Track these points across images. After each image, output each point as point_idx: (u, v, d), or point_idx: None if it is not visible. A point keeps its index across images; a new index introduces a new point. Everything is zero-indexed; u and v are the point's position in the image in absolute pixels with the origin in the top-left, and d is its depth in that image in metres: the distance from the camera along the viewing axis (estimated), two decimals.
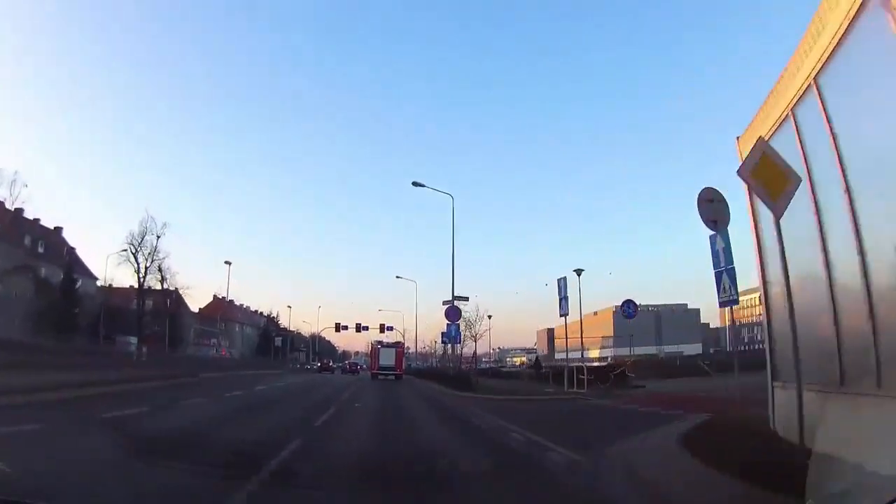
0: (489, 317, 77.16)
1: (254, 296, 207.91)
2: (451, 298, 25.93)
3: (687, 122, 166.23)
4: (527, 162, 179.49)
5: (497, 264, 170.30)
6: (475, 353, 38.02)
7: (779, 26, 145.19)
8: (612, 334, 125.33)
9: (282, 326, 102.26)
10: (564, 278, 21.26)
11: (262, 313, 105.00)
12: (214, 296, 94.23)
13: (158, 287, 59.37)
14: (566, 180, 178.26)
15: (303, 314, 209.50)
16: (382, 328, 68.97)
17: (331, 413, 12.42)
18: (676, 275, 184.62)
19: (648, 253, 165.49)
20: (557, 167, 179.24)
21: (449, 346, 38.04)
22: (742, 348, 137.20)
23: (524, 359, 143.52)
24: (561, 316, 21.17)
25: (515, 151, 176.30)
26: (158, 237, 55.75)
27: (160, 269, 58.36)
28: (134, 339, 64.33)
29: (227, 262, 56.86)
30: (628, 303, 23.33)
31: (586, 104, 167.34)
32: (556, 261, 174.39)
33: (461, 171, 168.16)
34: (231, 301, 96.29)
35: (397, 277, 58.98)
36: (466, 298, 27.57)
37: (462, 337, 31.95)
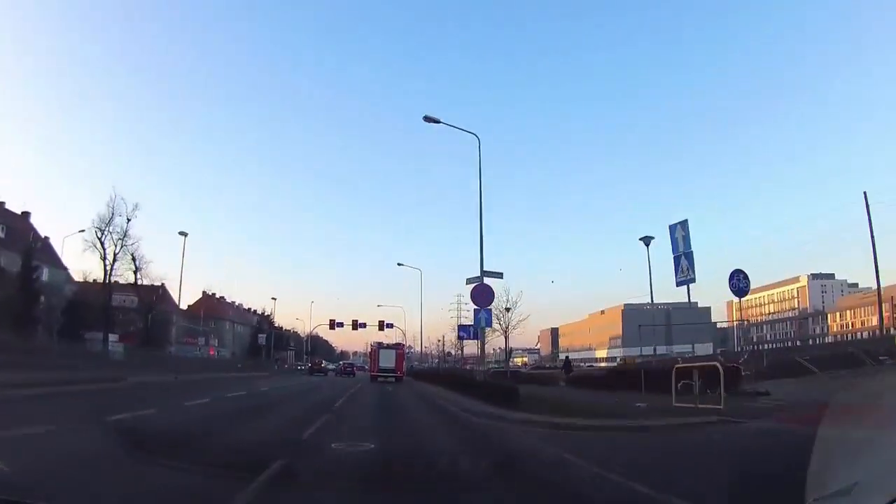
0: (507, 309, 70.06)
1: (250, 294, 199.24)
2: (478, 275, 17.80)
3: (692, 120, 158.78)
4: (526, 160, 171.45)
5: (495, 263, 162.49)
6: (508, 350, 30.66)
7: (778, 26, 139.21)
8: (620, 334, 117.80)
9: (276, 325, 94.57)
10: (684, 222, 13.03)
11: (255, 311, 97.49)
12: (204, 292, 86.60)
13: (132, 278, 50.99)
14: (566, 179, 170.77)
15: (297, 312, 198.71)
16: (382, 325, 61.04)
17: (267, 483, 4.44)
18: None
19: (657, 248, 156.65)
20: (557, 166, 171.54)
21: (472, 342, 31.74)
22: (751, 348, 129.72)
23: (525, 359, 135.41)
24: (680, 284, 13.04)
25: (515, 150, 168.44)
26: (129, 220, 47.54)
27: (134, 259, 50.01)
28: (110, 337, 56.35)
29: (182, 234, 45.90)
30: (737, 273, 15.37)
31: (586, 105, 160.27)
32: (559, 258, 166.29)
33: (458, 164, 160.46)
34: (222, 298, 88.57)
35: (399, 265, 50.91)
36: (500, 275, 19.20)
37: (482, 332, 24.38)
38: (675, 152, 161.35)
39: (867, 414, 3.31)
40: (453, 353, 75.57)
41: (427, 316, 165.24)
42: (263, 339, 62.26)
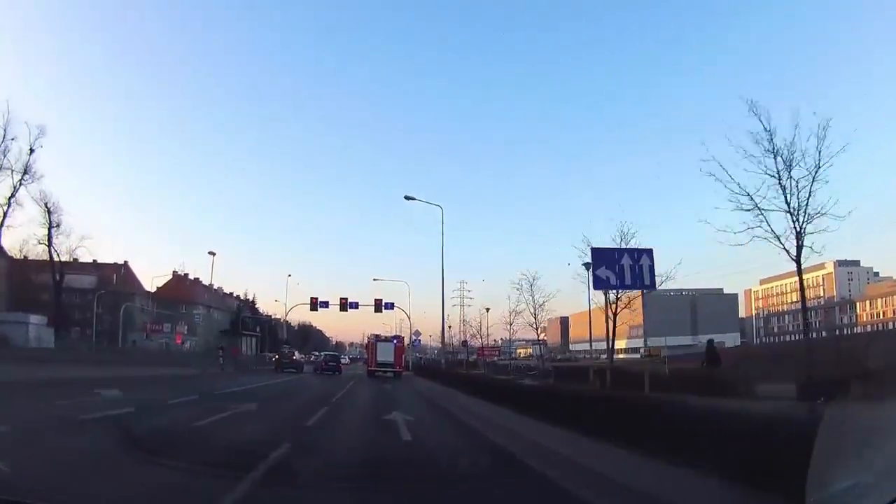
0: (487, 309, 56.89)
1: (233, 278, 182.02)
2: None
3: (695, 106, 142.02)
4: (534, 141, 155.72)
5: (499, 253, 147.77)
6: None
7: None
8: (641, 323, 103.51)
9: (265, 313, 79.94)
10: None
11: (238, 296, 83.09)
12: (174, 272, 71.55)
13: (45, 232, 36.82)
14: (576, 177, 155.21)
15: (278, 293, 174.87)
16: (379, 306, 46.10)
17: None
18: (709, 257, 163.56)
19: (680, 230, 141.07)
20: (558, 157, 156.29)
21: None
22: (771, 339, 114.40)
23: (531, 351, 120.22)
24: None
25: (524, 136, 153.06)
26: (32, 150, 33.49)
27: (48, 211, 35.61)
28: (37, 319, 42.30)
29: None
30: None
31: (592, 101, 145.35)
32: (566, 245, 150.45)
33: (459, 149, 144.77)
34: (197, 280, 73.67)
35: (406, 198, 33.70)
36: None
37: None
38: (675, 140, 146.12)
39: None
40: (469, 342, 60.17)
41: (425, 310, 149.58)
42: (200, 317, 46.37)
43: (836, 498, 2.24)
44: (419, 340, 57.05)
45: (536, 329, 43.19)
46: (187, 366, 30.09)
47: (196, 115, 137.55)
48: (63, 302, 63.62)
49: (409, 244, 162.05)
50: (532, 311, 39.90)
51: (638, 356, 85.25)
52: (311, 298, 48.07)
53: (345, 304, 46.49)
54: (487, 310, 57.79)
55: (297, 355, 40.27)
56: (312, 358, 59.69)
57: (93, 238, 43.99)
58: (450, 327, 77.02)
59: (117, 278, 68.34)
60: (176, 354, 44.50)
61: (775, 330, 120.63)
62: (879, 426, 2.67)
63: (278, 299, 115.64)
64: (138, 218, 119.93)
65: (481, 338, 56.79)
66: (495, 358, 58.26)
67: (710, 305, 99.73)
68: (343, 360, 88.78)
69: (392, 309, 49.17)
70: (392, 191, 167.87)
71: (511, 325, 46.60)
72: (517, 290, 40.31)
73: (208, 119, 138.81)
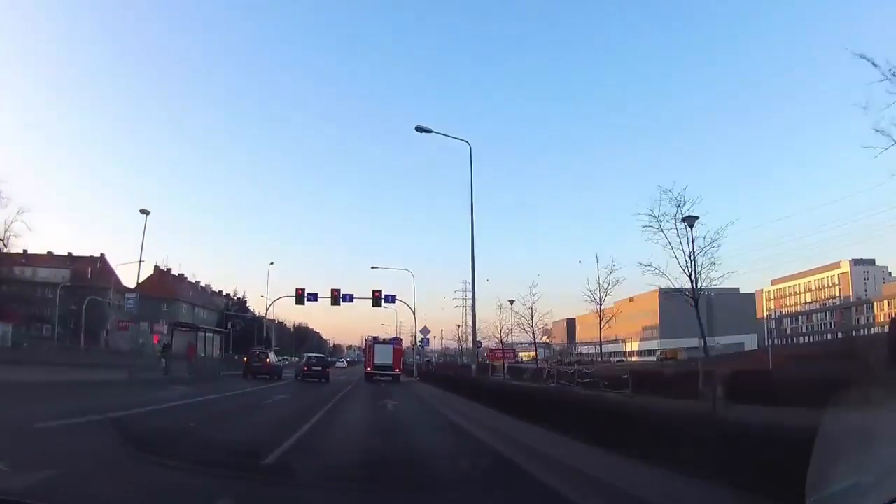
0: (511, 301, 46.38)
1: (225, 275, 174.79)
2: None
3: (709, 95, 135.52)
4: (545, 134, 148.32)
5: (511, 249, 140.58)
6: None
7: None
8: (656, 324, 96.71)
9: (259, 314, 72.85)
10: None
11: (227, 294, 76.53)
12: (156, 267, 64.65)
13: None
14: (588, 169, 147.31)
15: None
16: (378, 299, 39.12)
17: None
18: (723, 253, 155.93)
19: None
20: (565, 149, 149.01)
21: None
22: (784, 341, 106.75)
23: (533, 354, 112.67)
24: None
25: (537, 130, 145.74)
26: None
27: None
28: None
29: None
30: None
31: (608, 88, 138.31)
32: (572, 241, 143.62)
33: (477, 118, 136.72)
34: (181, 276, 66.76)
35: (419, 130, 21.25)
36: None
37: None
38: (688, 125, 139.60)
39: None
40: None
41: (427, 311, 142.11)
42: (133, 302, 37.49)
43: (836, 498, 2.20)
44: (427, 340, 50.15)
45: (694, 300, 22.03)
46: (125, 368, 22.63)
47: (194, 114, 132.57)
48: (36, 297, 56.54)
49: (410, 234, 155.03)
50: (688, 259, 21.39)
51: (653, 359, 78.52)
52: (297, 290, 41.35)
53: (337, 297, 39.87)
54: (511, 301, 50.47)
55: (271, 357, 31.50)
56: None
57: (31, 211, 35.44)
58: (458, 326, 69.38)
59: (92, 272, 61.63)
60: (122, 355, 36.77)
61: (788, 332, 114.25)
62: (879, 427, 2.48)
63: (264, 295, 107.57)
64: (137, 217, 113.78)
65: (532, 331, 48.88)
66: (507, 361, 50.90)
67: (728, 305, 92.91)
68: (340, 364, 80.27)
69: (393, 302, 42.43)
70: (392, 179, 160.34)
71: (606, 288, 37.97)
72: (652, 224, 22.12)
73: (207, 118, 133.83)
